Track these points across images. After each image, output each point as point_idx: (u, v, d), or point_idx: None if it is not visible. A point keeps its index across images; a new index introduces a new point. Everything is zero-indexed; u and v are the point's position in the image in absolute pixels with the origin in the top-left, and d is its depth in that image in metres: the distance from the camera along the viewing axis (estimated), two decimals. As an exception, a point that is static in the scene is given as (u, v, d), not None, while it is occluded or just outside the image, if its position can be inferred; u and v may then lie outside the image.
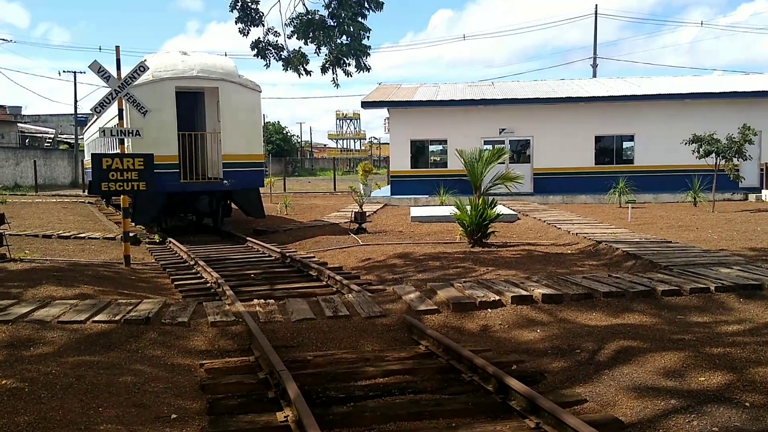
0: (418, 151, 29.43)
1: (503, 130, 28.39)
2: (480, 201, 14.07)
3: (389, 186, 30.97)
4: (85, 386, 5.07)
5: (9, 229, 16.55)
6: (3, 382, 5.00)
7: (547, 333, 6.63)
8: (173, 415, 4.69)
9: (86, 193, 34.03)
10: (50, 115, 67.87)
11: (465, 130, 27.79)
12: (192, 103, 18.15)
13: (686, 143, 21.79)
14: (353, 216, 17.03)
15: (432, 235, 16.08)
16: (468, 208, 14.09)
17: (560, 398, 4.93)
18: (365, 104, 29.13)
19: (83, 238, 15.99)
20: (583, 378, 5.42)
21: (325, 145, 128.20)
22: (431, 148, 30.04)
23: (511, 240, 14.81)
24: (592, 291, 7.71)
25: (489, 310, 7.32)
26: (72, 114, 54.93)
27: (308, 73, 13.88)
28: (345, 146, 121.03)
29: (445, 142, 29.03)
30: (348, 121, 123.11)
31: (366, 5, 13.05)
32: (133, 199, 15.34)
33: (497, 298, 7.52)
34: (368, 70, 13.75)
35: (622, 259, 11.23)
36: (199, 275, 11.13)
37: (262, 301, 8.11)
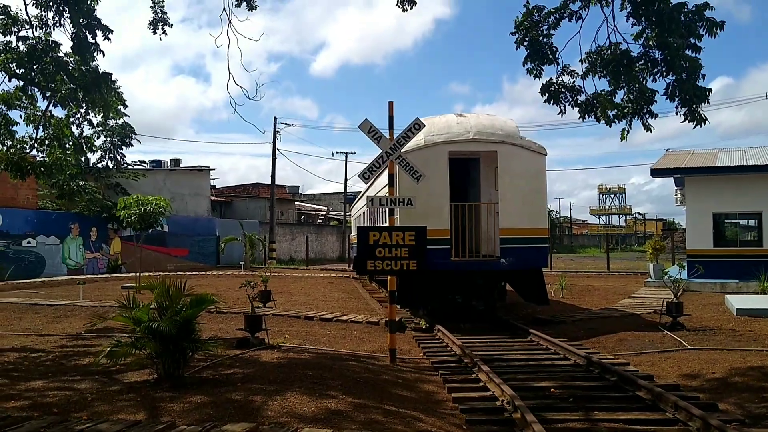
0: (723, 226, 24.34)
1: (839, 199, 22.33)
2: None
3: (679, 267, 26.00)
4: None
5: (274, 307, 15.80)
6: None
7: None
8: None
9: (351, 268, 33.99)
10: (323, 193, 73.00)
11: (786, 200, 22.36)
12: (464, 169, 16.04)
13: None
14: (665, 306, 13.24)
15: (786, 339, 11.72)
16: None
17: None
18: (655, 172, 25.02)
19: (345, 321, 14.37)
20: None
21: (584, 221, 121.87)
22: (740, 222, 24.76)
23: None
24: None
25: None
26: (342, 192, 57.82)
27: (609, 122, 10.91)
28: (606, 222, 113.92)
29: (758, 215, 23.64)
30: (611, 195, 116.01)
31: (698, 28, 9.67)
32: (399, 278, 13.41)
33: None
34: (703, 122, 10.13)
35: None
36: (482, 385, 8.41)
37: (597, 454, 5.10)
